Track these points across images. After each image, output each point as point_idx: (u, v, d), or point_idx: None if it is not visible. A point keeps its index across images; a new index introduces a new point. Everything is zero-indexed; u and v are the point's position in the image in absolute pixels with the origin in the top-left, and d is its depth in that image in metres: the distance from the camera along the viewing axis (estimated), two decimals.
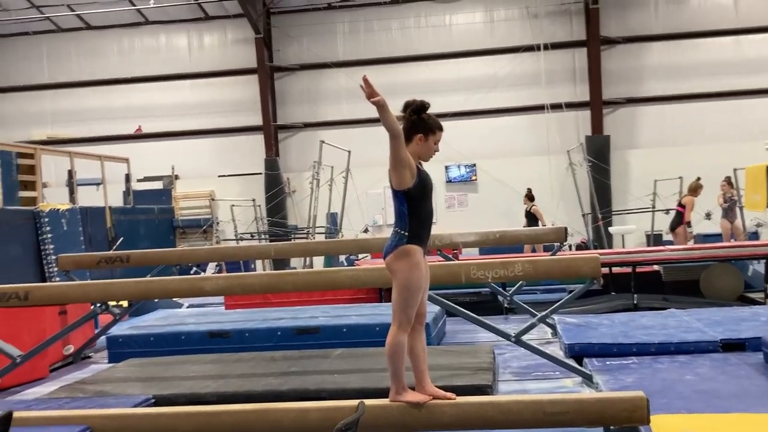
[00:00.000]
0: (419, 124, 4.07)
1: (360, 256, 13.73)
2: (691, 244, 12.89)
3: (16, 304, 6.08)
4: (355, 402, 4.10)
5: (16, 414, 3.55)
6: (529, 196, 16.92)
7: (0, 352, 6.32)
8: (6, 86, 19.97)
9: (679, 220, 13.10)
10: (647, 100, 19.01)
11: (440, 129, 4.15)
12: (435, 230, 7.93)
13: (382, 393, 4.31)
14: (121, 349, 7.48)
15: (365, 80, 3.84)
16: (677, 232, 13.08)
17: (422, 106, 4.09)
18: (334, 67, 19.62)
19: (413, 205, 3.99)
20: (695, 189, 13.14)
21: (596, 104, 18.75)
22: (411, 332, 4.06)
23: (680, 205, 13.16)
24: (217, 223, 19.48)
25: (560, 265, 5.77)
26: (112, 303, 6.85)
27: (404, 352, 4.02)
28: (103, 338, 8.00)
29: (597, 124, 18.73)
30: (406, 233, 3.97)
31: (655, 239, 16.42)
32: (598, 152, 18.19)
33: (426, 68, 19.54)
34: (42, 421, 4.45)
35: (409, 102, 4.11)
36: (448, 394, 4.14)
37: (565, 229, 8.24)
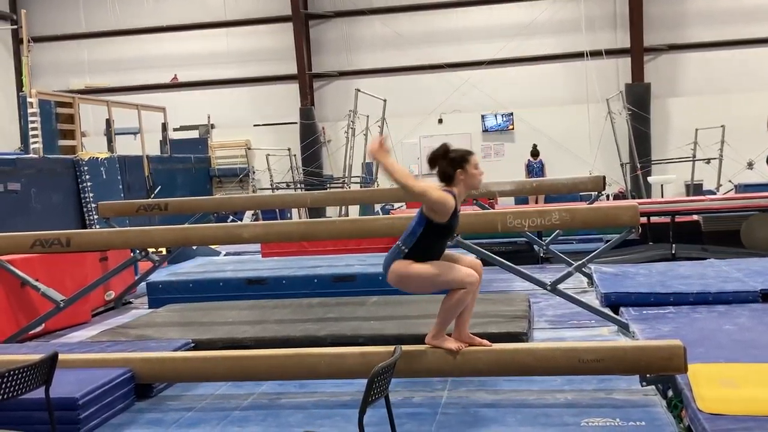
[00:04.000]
0: (452, 163, 4.06)
1: (395, 205, 13.75)
2: None
3: (59, 250, 6.21)
4: (390, 347, 4.14)
5: (61, 356, 3.64)
6: (535, 152, 16.98)
7: (44, 296, 6.48)
8: (44, 35, 19.99)
9: None
10: (690, 47, 18.49)
11: (470, 153, 4.16)
12: None
13: (418, 339, 4.36)
14: (160, 295, 7.63)
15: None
16: None
17: (444, 151, 4.08)
18: (369, 14, 19.36)
19: (428, 235, 4.01)
20: None
21: (637, 51, 18.29)
22: None
23: None
24: (253, 172, 19.56)
25: (598, 213, 5.71)
26: (151, 250, 6.94)
27: (461, 309, 4.07)
28: (143, 284, 8.15)
29: (637, 71, 18.30)
30: (406, 251, 4.02)
31: (694, 189, 16.15)
32: (638, 101, 17.82)
33: (462, 14, 19.18)
34: (85, 363, 4.59)
35: (431, 156, 4.09)
36: (484, 342, 4.20)
37: (603, 178, 8.13)
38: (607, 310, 5.94)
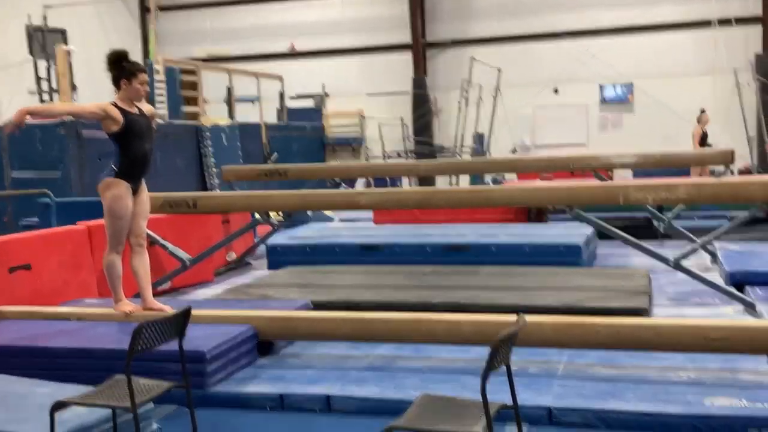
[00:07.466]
0: (121, 72, 4.63)
1: (506, 176, 13.61)
2: None
3: (186, 211, 6.49)
4: (506, 316, 4.14)
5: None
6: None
7: (171, 255, 6.80)
8: (168, 5, 20.73)
9: None
10: None
11: (141, 71, 4.68)
12: (587, 151, 7.53)
13: (535, 310, 4.35)
14: (279, 258, 7.88)
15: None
16: None
17: (118, 57, 4.63)
18: None
19: (123, 147, 4.66)
20: None
21: None
22: (132, 254, 4.83)
23: None
24: (365, 141, 19.75)
25: (728, 189, 5.45)
26: (273, 214, 7.16)
27: (117, 269, 4.75)
28: (262, 247, 8.42)
29: None
30: (116, 168, 4.66)
31: None
32: None
33: None
34: (212, 319, 4.80)
35: (107, 60, 4.66)
36: (165, 307, 4.76)
37: (732, 151, 7.78)
38: (732, 289, 5.74)
